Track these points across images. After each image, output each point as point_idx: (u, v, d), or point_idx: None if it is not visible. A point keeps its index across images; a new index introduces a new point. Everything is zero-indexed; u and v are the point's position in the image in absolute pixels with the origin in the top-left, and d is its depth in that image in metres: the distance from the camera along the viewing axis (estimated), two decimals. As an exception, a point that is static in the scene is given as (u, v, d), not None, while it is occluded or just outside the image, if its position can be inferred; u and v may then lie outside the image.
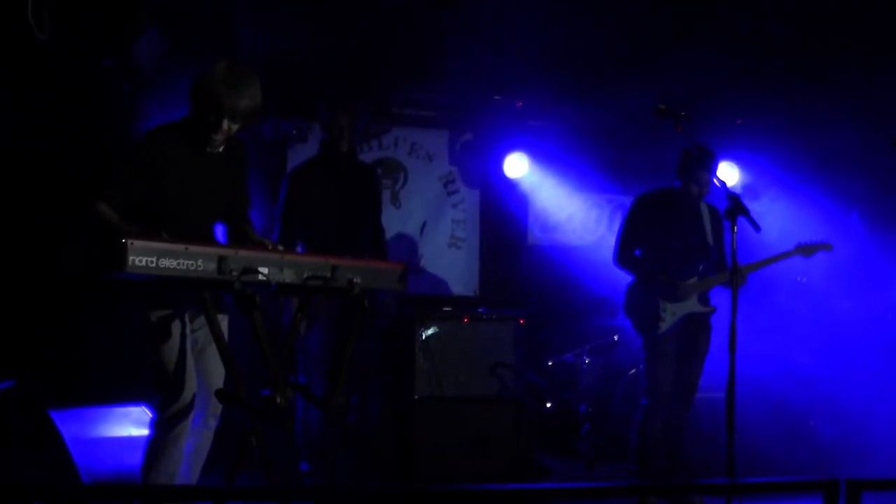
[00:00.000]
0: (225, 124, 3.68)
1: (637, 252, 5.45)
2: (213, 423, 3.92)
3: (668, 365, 5.27)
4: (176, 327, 3.73)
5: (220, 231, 4.10)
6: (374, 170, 5.68)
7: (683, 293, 5.27)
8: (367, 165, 5.64)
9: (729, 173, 7.38)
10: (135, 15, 5.07)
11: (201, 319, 3.82)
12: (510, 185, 7.42)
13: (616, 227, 5.61)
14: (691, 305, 5.31)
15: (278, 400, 3.55)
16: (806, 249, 5.44)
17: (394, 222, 6.93)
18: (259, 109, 3.73)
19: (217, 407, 3.88)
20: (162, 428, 3.72)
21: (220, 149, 3.83)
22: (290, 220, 5.34)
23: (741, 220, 4.41)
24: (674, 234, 5.37)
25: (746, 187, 7.35)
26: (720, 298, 5.22)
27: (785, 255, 5.40)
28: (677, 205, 5.41)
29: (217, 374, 3.87)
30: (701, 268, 5.39)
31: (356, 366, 5.28)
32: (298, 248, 5.27)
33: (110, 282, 3.30)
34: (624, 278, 5.50)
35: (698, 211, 5.44)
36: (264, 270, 3.52)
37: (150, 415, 3.87)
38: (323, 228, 5.29)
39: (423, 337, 5.89)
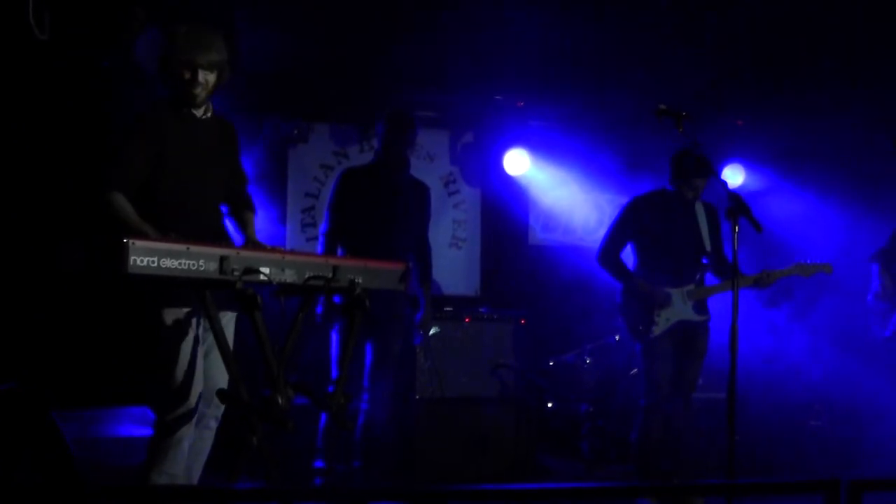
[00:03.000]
0: (201, 76, 3.76)
1: (626, 253, 5.44)
2: (213, 424, 3.91)
3: (665, 366, 5.26)
4: (190, 327, 3.71)
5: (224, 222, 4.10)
6: (427, 188, 5.66)
7: (664, 300, 5.24)
8: (420, 182, 5.65)
9: (731, 175, 7.38)
10: (135, 15, 5.07)
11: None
12: (511, 186, 7.42)
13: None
14: (685, 313, 5.28)
15: (279, 400, 3.55)
16: (804, 269, 5.35)
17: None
18: (228, 61, 3.85)
19: (218, 407, 3.87)
20: (165, 429, 3.70)
21: (209, 114, 3.90)
22: (335, 217, 5.38)
23: (742, 221, 4.39)
24: (669, 238, 5.33)
25: (748, 189, 7.34)
26: (724, 299, 5.19)
27: (782, 272, 5.34)
28: (672, 208, 5.37)
29: (221, 374, 3.85)
30: (698, 275, 5.37)
31: (375, 368, 5.30)
32: (339, 251, 5.29)
33: (122, 280, 3.29)
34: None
35: (693, 213, 5.40)
36: (266, 270, 3.52)
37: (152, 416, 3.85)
38: (363, 234, 5.30)
39: (424, 339, 5.89)
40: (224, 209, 4.08)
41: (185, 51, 3.74)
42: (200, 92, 3.81)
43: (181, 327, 3.69)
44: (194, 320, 3.73)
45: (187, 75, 3.75)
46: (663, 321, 5.25)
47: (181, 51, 3.74)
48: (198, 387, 3.74)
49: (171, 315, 3.67)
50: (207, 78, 3.80)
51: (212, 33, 3.82)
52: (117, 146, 3.74)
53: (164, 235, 3.42)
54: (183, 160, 3.79)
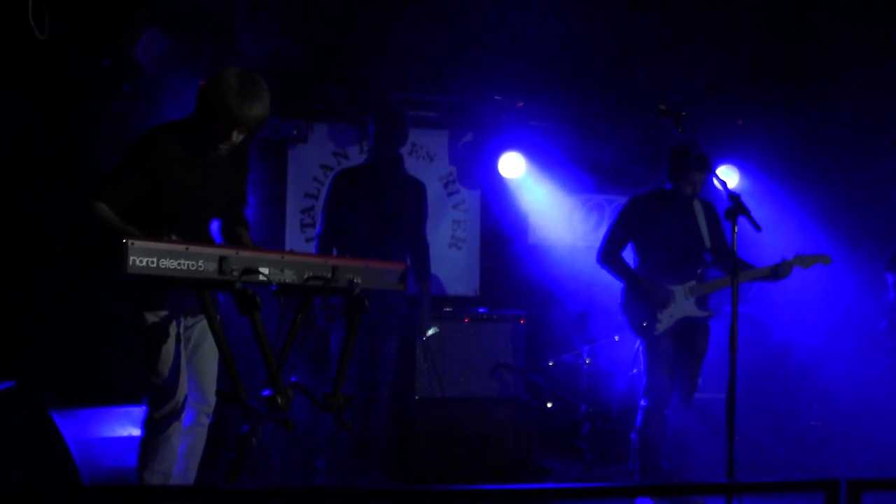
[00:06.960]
0: (235, 135, 3.66)
1: (625, 253, 5.44)
2: (205, 421, 3.92)
3: (666, 365, 5.27)
4: (171, 328, 3.72)
5: (215, 227, 4.09)
6: (423, 185, 5.66)
7: (665, 298, 5.24)
8: (416, 179, 5.64)
9: (729, 175, 7.38)
10: (135, 15, 5.07)
11: (195, 317, 3.82)
12: (510, 186, 7.42)
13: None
14: (688, 309, 5.30)
15: (279, 400, 3.55)
16: (804, 261, 5.38)
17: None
18: (267, 118, 3.71)
19: (210, 405, 3.89)
20: (153, 428, 3.71)
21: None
22: (329, 218, 5.37)
23: (742, 220, 4.40)
24: (669, 237, 5.35)
25: (746, 189, 7.34)
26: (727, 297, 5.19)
27: (788, 263, 5.36)
28: (671, 207, 5.38)
29: (209, 372, 3.87)
30: (699, 271, 5.38)
31: (372, 368, 5.30)
32: (334, 252, 5.28)
33: (107, 281, 3.29)
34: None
35: (692, 211, 5.42)
36: (265, 271, 3.52)
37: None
38: (357, 235, 5.30)
39: (424, 337, 5.89)
40: (215, 224, 4.06)
41: (232, 103, 3.55)
42: (226, 147, 3.72)
43: (163, 328, 3.69)
44: (174, 321, 3.73)
45: (223, 130, 3.62)
46: (667, 318, 5.26)
47: (228, 102, 3.55)
48: (183, 385, 3.75)
49: (151, 317, 3.67)
50: (239, 136, 3.68)
51: (261, 86, 3.63)
52: (117, 167, 3.65)
53: (161, 234, 3.41)
54: (184, 191, 3.72)
